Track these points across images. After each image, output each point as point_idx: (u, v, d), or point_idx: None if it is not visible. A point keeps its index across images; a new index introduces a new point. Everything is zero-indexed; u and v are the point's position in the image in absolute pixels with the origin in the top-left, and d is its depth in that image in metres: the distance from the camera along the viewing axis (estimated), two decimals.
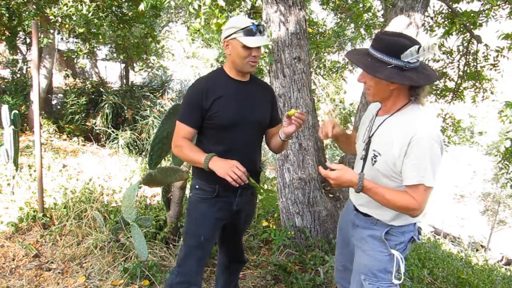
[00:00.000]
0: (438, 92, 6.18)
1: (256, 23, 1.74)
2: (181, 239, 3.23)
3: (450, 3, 5.09)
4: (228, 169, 1.68)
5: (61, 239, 3.29)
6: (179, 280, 1.94)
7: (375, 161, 1.62)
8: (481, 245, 15.89)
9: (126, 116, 9.63)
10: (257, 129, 1.93)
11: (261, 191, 1.83)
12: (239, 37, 1.73)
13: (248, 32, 1.72)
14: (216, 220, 1.95)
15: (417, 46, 1.46)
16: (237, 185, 1.69)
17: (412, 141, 1.48)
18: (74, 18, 6.80)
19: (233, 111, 1.82)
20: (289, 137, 1.88)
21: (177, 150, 1.86)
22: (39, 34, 7.06)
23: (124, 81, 12.92)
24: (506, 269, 7.76)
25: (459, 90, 6.04)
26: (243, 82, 1.88)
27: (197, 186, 1.93)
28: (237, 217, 2.03)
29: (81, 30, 7.35)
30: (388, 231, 1.66)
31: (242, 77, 1.88)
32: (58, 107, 10.20)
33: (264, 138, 2.07)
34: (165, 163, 5.25)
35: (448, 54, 5.84)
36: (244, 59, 1.77)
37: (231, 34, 1.76)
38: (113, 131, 8.93)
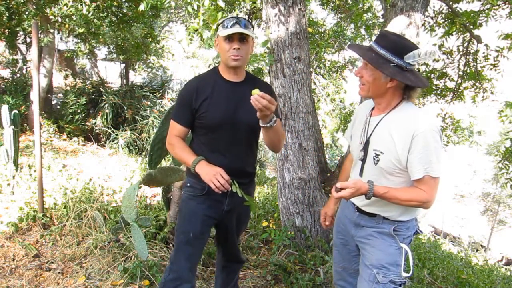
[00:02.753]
0: (438, 92, 6.18)
1: (239, 17, 1.77)
2: None
3: (450, 3, 5.09)
4: (212, 176, 1.71)
5: (61, 239, 3.29)
6: (171, 277, 1.95)
7: (377, 160, 1.64)
8: (481, 245, 15.89)
9: (126, 116, 9.63)
10: (247, 130, 1.90)
11: (241, 195, 1.81)
12: (219, 30, 1.78)
13: (228, 24, 1.75)
14: (205, 217, 1.95)
15: (420, 50, 1.53)
16: (220, 192, 1.72)
17: (414, 136, 1.52)
18: (74, 18, 6.80)
19: (220, 112, 1.82)
20: (266, 123, 1.70)
21: (170, 148, 1.93)
22: (39, 34, 7.06)
23: (124, 81, 12.92)
24: (506, 269, 7.76)
25: (459, 90, 6.05)
26: (235, 82, 1.87)
27: (188, 184, 1.96)
28: (228, 217, 2.03)
29: (81, 30, 7.35)
30: (394, 228, 1.68)
31: (234, 77, 1.86)
32: (58, 107, 10.20)
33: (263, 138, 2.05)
34: (165, 163, 5.25)
35: (448, 54, 5.84)
36: (226, 52, 1.77)
37: (217, 31, 1.82)
38: (113, 131, 8.93)
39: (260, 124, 1.75)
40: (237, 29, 1.73)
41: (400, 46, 1.55)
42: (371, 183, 1.58)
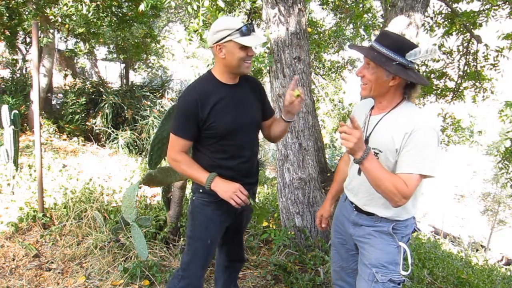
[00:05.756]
0: (438, 92, 6.18)
1: (247, 23, 1.73)
2: (182, 239, 3.23)
3: (450, 3, 5.09)
4: (231, 193, 1.71)
5: (61, 239, 3.29)
6: (182, 284, 1.93)
7: (377, 159, 1.62)
8: (481, 245, 15.90)
9: (126, 116, 9.63)
10: (252, 130, 1.92)
11: (257, 209, 1.85)
12: (236, 38, 1.68)
13: (244, 32, 1.69)
14: (221, 223, 1.95)
15: (420, 48, 1.52)
16: (239, 207, 1.73)
17: (413, 131, 1.51)
18: (74, 18, 6.80)
19: (229, 118, 1.79)
20: (292, 118, 1.89)
21: (175, 165, 1.84)
22: (39, 34, 7.06)
23: (124, 81, 12.92)
24: (506, 269, 7.76)
25: (459, 90, 6.05)
26: (234, 85, 1.84)
27: (201, 190, 1.89)
28: (240, 219, 2.04)
29: (81, 30, 7.35)
30: (393, 226, 1.68)
31: (233, 80, 1.84)
32: (58, 107, 10.20)
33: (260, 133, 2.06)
34: (165, 163, 5.25)
35: (448, 54, 5.84)
36: (241, 60, 1.73)
37: (225, 37, 1.69)
38: (113, 131, 8.94)
39: (286, 119, 1.88)
40: (258, 38, 1.72)
41: (401, 44, 1.55)
42: (368, 148, 1.49)
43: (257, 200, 5.38)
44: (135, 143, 8.82)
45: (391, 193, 1.48)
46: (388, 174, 1.50)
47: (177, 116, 1.79)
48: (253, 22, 7.19)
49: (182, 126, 1.79)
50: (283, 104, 1.85)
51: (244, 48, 1.71)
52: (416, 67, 1.65)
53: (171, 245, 3.20)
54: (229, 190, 1.71)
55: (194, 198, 1.95)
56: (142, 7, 3.76)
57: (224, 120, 1.78)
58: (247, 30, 1.70)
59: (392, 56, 1.54)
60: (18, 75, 9.76)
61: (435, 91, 6.17)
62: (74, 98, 9.28)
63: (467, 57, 5.66)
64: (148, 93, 10.46)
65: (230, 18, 1.76)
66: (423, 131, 1.50)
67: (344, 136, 1.44)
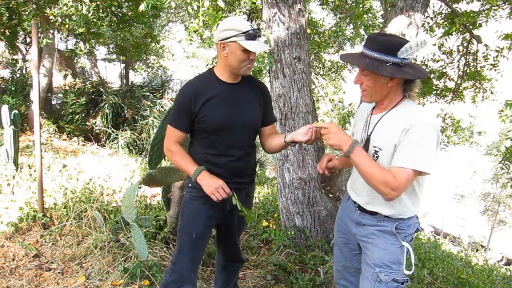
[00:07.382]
0: (438, 92, 6.18)
1: (255, 27, 1.75)
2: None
3: (450, 3, 5.09)
4: (214, 189, 1.76)
5: (61, 239, 3.29)
6: (173, 278, 1.95)
7: (377, 157, 1.65)
8: (481, 245, 15.88)
9: (126, 116, 9.63)
10: (247, 130, 1.92)
11: (242, 210, 1.86)
12: (240, 40, 1.71)
13: (249, 36, 1.71)
14: (208, 218, 1.96)
15: (411, 42, 1.52)
16: (219, 202, 1.80)
17: (411, 127, 1.52)
18: (74, 18, 6.80)
19: (221, 114, 1.82)
20: (294, 143, 1.88)
21: (169, 155, 1.91)
22: (39, 34, 7.06)
23: (124, 81, 12.92)
24: (506, 269, 7.75)
25: (459, 90, 6.05)
26: (233, 84, 1.86)
27: (190, 185, 1.94)
28: (230, 217, 2.03)
29: (81, 30, 7.35)
30: (396, 225, 1.69)
31: (233, 79, 1.86)
32: (58, 107, 10.19)
33: (258, 137, 2.06)
34: (165, 163, 5.26)
35: (448, 54, 5.84)
36: (242, 62, 1.76)
37: (230, 37, 1.72)
38: (113, 131, 8.93)
39: (287, 142, 1.86)
40: (261, 45, 1.74)
41: (391, 44, 1.55)
42: (355, 140, 1.58)
43: (256, 200, 5.38)
44: (135, 143, 8.82)
45: (381, 185, 1.52)
46: (378, 168, 1.55)
47: (174, 107, 1.88)
48: (253, 22, 7.19)
49: (177, 117, 1.86)
50: (294, 131, 1.84)
51: (247, 51, 1.73)
52: (413, 61, 1.65)
53: (171, 245, 3.20)
54: (212, 186, 1.76)
55: (184, 192, 2.01)
56: (142, 7, 3.77)
57: (215, 115, 1.81)
58: (253, 35, 1.72)
59: (384, 58, 1.53)
60: (18, 75, 9.76)
61: (435, 91, 6.17)
62: (74, 98, 9.28)
63: (467, 57, 5.65)
64: (148, 93, 10.45)
65: (240, 20, 1.78)
66: (420, 127, 1.51)
67: (324, 136, 1.59)
